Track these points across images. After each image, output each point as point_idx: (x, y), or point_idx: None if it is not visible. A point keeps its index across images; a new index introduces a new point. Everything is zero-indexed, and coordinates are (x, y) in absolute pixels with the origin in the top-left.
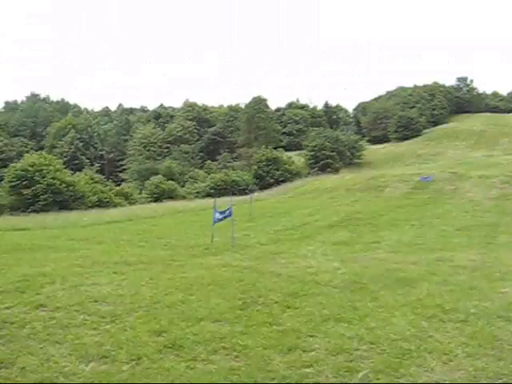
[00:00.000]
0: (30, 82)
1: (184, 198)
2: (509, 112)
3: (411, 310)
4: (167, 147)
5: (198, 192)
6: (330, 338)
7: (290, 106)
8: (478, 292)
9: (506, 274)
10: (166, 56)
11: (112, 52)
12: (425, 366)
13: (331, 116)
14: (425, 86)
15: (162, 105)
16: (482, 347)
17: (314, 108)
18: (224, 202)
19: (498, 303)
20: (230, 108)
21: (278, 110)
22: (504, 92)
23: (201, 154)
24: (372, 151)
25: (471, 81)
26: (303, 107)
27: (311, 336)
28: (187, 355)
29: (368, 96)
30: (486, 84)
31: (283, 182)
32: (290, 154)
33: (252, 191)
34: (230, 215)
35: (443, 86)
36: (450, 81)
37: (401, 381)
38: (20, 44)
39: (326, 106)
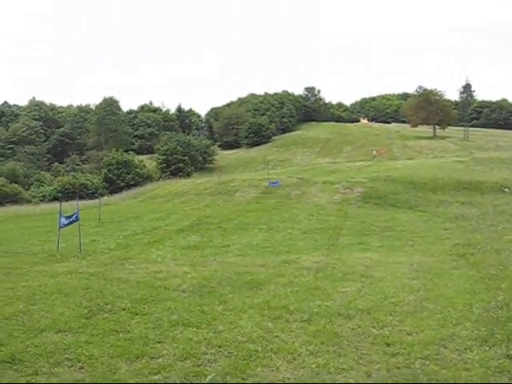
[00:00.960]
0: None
1: (29, 202)
2: (351, 122)
3: (258, 312)
4: (11, 148)
5: (43, 196)
6: (178, 343)
7: (143, 108)
8: (321, 292)
9: (346, 274)
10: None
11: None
12: (271, 366)
13: (184, 120)
14: (275, 94)
15: (5, 102)
16: (324, 344)
17: (167, 111)
18: (72, 206)
19: (339, 302)
20: (80, 109)
21: (130, 112)
22: (347, 103)
23: (48, 155)
24: (223, 156)
25: (318, 91)
26: (156, 110)
27: (159, 342)
28: (28, 369)
29: (220, 101)
30: (331, 95)
31: (134, 185)
32: (141, 157)
33: (101, 195)
34: (76, 220)
35: (292, 95)
36: (298, 90)
37: (247, 381)
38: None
39: (179, 110)
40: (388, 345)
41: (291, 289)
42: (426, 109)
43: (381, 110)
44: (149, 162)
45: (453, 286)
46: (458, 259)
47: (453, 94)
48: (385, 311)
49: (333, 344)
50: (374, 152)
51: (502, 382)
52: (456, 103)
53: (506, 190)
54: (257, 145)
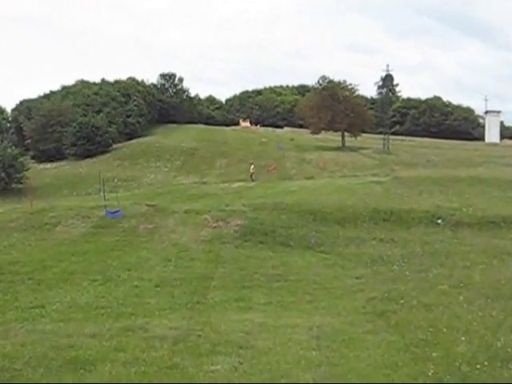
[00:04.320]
0: None
1: None
2: (228, 125)
3: None
4: None
5: None
6: None
7: None
8: (180, 372)
9: (217, 345)
10: None
11: None
12: None
13: None
14: (117, 82)
15: None
16: None
17: None
18: None
19: None
20: None
21: None
22: (222, 98)
23: None
24: (39, 172)
25: (180, 80)
26: None
27: None
28: None
29: (36, 92)
30: (198, 86)
31: None
32: None
33: None
34: None
35: (142, 85)
36: (151, 77)
37: None
38: None
39: None
40: None
41: (136, 369)
42: (332, 108)
43: (269, 108)
44: None
45: (367, 357)
46: (375, 319)
47: (369, 90)
48: None
49: None
50: (252, 167)
51: None
52: (373, 101)
53: (440, 221)
54: (89, 156)
